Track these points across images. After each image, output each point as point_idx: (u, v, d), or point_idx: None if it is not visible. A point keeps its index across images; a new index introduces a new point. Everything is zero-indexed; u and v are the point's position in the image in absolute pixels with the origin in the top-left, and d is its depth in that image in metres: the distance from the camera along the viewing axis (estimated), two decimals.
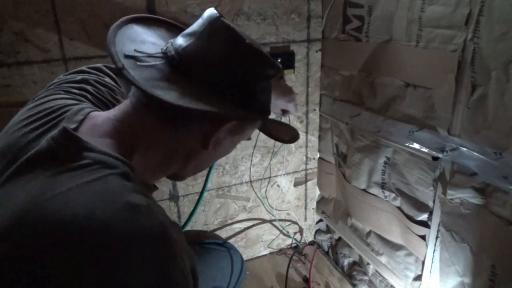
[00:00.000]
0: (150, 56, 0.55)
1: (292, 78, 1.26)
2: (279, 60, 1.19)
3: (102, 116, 0.55)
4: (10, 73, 0.96)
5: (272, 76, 0.60)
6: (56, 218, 0.42)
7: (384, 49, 0.99)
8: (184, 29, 0.63)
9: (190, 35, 0.57)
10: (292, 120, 1.31)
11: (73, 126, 0.52)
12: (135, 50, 0.55)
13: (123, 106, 0.56)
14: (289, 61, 1.22)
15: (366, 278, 1.28)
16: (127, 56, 0.54)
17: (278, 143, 1.31)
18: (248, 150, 1.29)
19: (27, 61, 0.97)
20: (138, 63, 0.53)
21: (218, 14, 0.56)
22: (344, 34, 1.15)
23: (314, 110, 1.34)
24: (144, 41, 0.59)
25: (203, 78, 0.55)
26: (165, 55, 0.56)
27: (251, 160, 1.31)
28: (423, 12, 0.84)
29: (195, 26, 0.57)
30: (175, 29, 0.67)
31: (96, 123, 0.54)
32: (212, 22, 0.55)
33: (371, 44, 1.04)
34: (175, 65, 0.55)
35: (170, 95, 0.51)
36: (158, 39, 0.62)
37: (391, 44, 0.96)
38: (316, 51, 1.26)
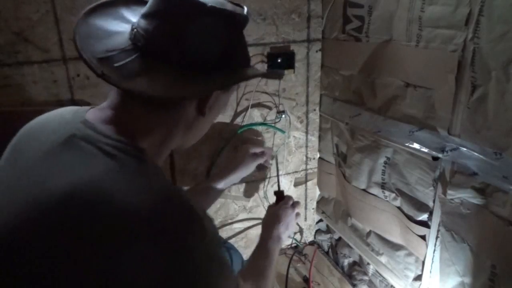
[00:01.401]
0: (123, 50, 0.56)
1: (292, 78, 1.26)
2: (278, 61, 1.20)
3: (99, 106, 0.59)
4: (10, 73, 0.96)
5: (241, 27, 0.61)
6: (95, 204, 0.46)
7: (384, 49, 0.99)
8: None
9: (151, 15, 0.56)
10: (292, 120, 1.31)
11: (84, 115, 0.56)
12: (106, 51, 0.55)
13: (113, 97, 0.58)
14: (289, 61, 1.22)
15: (366, 278, 1.28)
16: (101, 59, 0.54)
17: (278, 144, 1.31)
18: None
19: (27, 61, 0.97)
20: (115, 64, 0.54)
21: None
22: (344, 34, 1.15)
23: (314, 110, 1.34)
24: (109, 34, 0.59)
25: (179, 58, 0.55)
26: (135, 45, 0.56)
27: None
28: (423, 12, 0.84)
29: (153, 4, 0.57)
30: (128, 2, 0.66)
31: (96, 112, 0.57)
32: None
33: (371, 44, 1.04)
34: (148, 54, 0.56)
35: (155, 88, 0.53)
36: (120, 23, 0.61)
37: (391, 44, 0.96)
38: (316, 51, 1.26)
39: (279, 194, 1.10)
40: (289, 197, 1.04)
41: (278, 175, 1.20)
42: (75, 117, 0.56)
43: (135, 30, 0.57)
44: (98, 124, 0.54)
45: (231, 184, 1.11)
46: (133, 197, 0.47)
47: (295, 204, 1.03)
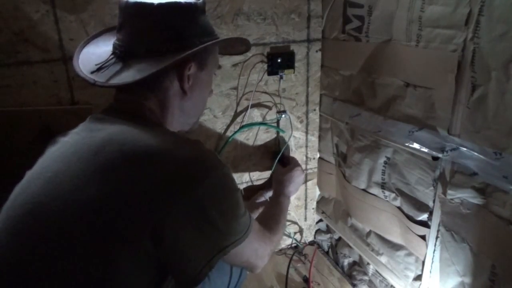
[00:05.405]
0: (107, 61, 0.71)
1: (292, 78, 1.26)
2: (278, 61, 1.20)
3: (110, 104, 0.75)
4: (10, 73, 0.96)
5: (189, 10, 0.71)
6: (146, 150, 0.60)
7: (384, 49, 0.99)
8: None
9: (120, 28, 0.72)
10: (292, 120, 1.31)
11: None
12: (95, 65, 0.71)
13: (114, 95, 0.74)
14: (289, 61, 1.22)
15: (366, 278, 1.28)
16: (93, 72, 0.71)
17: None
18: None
19: (27, 61, 0.97)
20: (101, 72, 0.71)
21: (124, 1, 0.70)
22: (344, 34, 1.15)
23: (314, 110, 1.34)
24: (98, 54, 0.75)
25: (146, 49, 0.69)
26: (115, 53, 0.72)
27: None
28: (423, 12, 0.84)
29: (119, 19, 0.72)
30: (112, 29, 0.81)
31: (107, 105, 0.73)
32: (125, 9, 0.70)
33: (371, 44, 1.04)
34: (124, 56, 0.70)
35: (129, 77, 0.67)
36: (106, 46, 0.77)
37: (391, 44, 0.96)
38: (316, 51, 1.26)
39: (285, 158, 1.29)
40: (297, 160, 1.26)
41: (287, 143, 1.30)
42: (91, 116, 0.71)
43: (114, 44, 0.73)
44: (112, 108, 0.71)
45: None
46: (157, 142, 0.62)
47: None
